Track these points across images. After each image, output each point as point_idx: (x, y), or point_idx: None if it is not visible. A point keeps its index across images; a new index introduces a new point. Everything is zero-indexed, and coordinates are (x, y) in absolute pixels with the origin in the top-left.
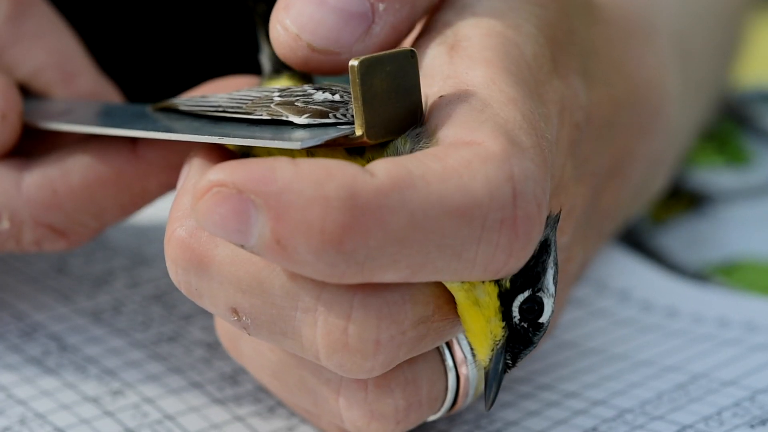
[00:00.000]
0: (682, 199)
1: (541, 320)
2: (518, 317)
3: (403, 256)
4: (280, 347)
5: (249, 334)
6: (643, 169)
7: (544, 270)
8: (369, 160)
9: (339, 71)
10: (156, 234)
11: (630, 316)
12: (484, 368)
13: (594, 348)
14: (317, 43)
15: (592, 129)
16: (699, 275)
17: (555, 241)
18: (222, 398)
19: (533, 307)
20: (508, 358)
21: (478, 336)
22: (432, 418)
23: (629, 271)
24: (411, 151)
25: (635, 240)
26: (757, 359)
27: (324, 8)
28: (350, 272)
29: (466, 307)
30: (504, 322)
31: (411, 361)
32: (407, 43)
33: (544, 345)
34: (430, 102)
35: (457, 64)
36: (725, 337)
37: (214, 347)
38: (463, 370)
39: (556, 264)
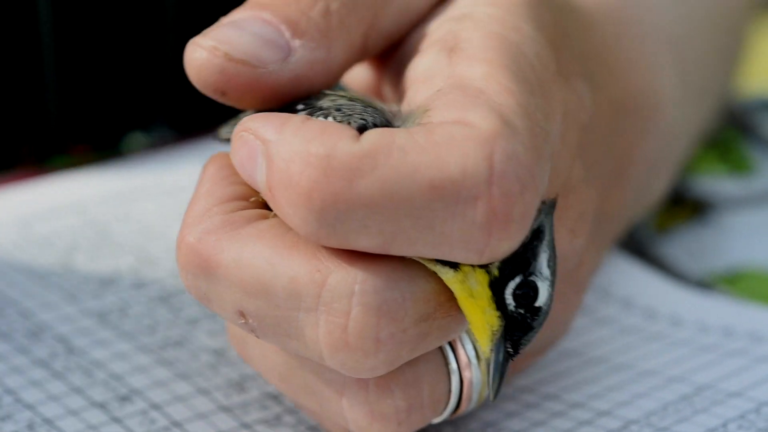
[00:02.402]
0: (686, 208)
1: (537, 304)
2: (513, 304)
3: (374, 222)
4: (286, 349)
5: (257, 337)
6: (642, 173)
7: (535, 255)
8: None
9: (253, 89)
10: (161, 231)
11: (634, 323)
12: (486, 359)
13: (598, 357)
14: (235, 53)
15: (597, 133)
16: (702, 284)
17: (551, 228)
18: (229, 405)
19: (528, 293)
20: (509, 346)
21: (477, 328)
22: (435, 420)
23: (633, 279)
24: None
25: (639, 249)
26: (762, 371)
27: (243, 31)
28: (324, 232)
29: (463, 300)
30: (499, 312)
31: (412, 362)
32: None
33: (548, 354)
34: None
35: (457, 64)
36: (730, 347)
37: (220, 353)
38: (466, 374)
39: (551, 249)
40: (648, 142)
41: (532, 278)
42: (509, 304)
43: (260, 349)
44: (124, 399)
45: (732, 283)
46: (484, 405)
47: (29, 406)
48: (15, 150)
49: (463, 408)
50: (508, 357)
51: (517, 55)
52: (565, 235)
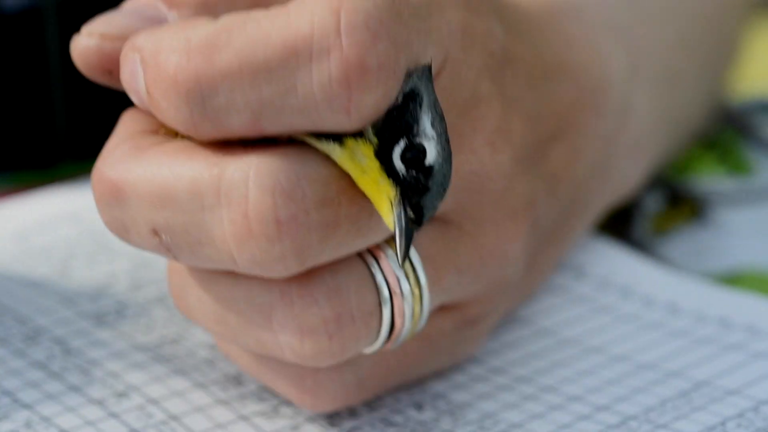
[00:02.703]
0: (685, 209)
1: (427, 163)
2: (404, 168)
3: (237, 94)
4: (203, 263)
5: (174, 258)
6: (596, 148)
7: (416, 118)
8: None
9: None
10: None
11: (632, 312)
12: (392, 230)
13: (596, 347)
14: (110, 30)
15: (520, 72)
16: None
17: (431, 93)
18: (226, 398)
19: (416, 155)
20: (410, 212)
21: (376, 201)
22: (372, 347)
23: (631, 268)
24: None
25: (638, 250)
26: (760, 368)
27: (118, 13)
28: (197, 117)
29: (357, 177)
30: (391, 179)
31: (335, 270)
32: None
33: (546, 341)
34: None
35: None
36: (728, 342)
37: (217, 349)
38: (394, 286)
39: (435, 112)
40: (598, 115)
41: (417, 140)
42: (399, 170)
43: (195, 292)
44: (122, 395)
45: (731, 284)
46: (419, 329)
47: (27, 406)
48: (21, 159)
49: (398, 327)
50: (411, 222)
51: None
52: (484, 146)
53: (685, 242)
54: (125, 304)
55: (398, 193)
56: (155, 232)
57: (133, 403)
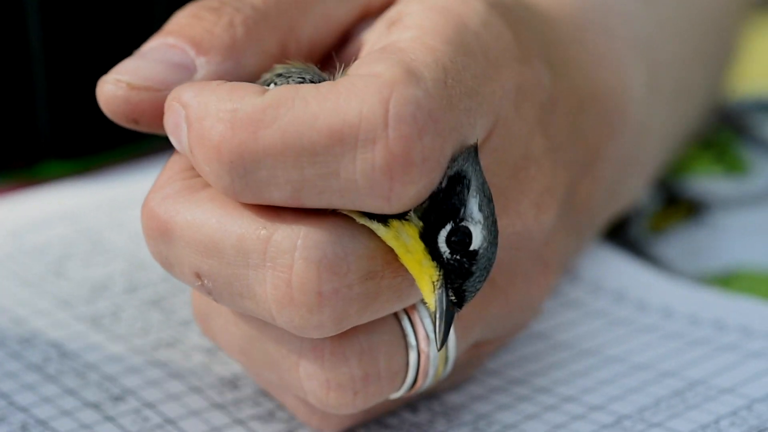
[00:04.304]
0: (681, 209)
1: (473, 248)
2: (448, 252)
3: (280, 171)
4: (241, 310)
5: (214, 300)
6: (614, 170)
7: (463, 201)
8: None
9: (160, 111)
10: None
11: (625, 316)
12: (432, 312)
13: (590, 349)
14: (136, 81)
15: (561, 115)
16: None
17: (478, 174)
18: (222, 402)
19: (462, 239)
20: (452, 295)
21: (419, 281)
22: (393, 396)
23: (624, 272)
24: None
25: (634, 249)
26: (753, 367)
27: (146, 59)
28: (238, 185)
29: (402, 255)
30: (435, 262)
31: (368, 331)
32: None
33: (540, 345)
34: None
35: (392, 33)
36: (721, 342)
37: (212, 352)
38: (424, 347)
39: (483, 195)
40: (616, 138)
41: (463, 223)
42: (444, 252)
43: (222, 321)
44: (117, 399)
45: (726, 283)
46: (440, 382)
47: (23, 409)
48: (5, 158)
49: (420, 383)
50: (452, 305)
51: (457, 23)
52: (530, 208)
53: (680, 241)
54: (121, 307)
55: (441, 275)
56: (198, 276)
57: (129, 406)
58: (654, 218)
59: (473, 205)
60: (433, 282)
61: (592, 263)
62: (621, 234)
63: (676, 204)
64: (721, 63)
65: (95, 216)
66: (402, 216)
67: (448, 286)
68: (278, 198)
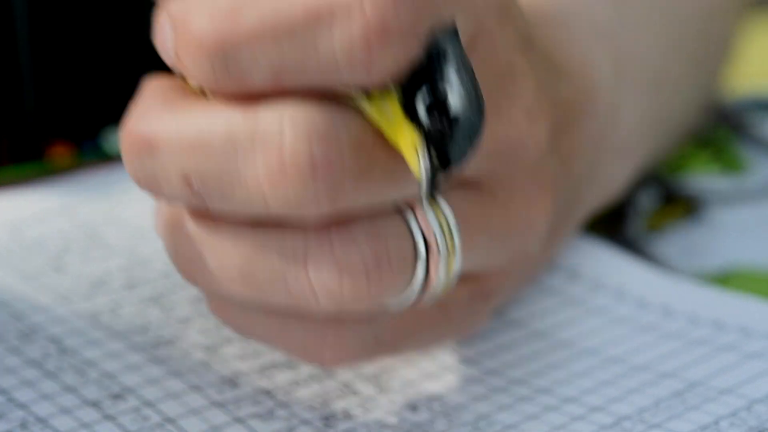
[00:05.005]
0: (678, 207)
1: (451, 111)
2: (427, 117)
3: (260, 53)
4: (233, 208)
5: (205, 206)
6: (590, 149)
7: (439, 68)
8: None
9: None
10: (152, 232)
11: (626, 314)
12: (418, 177)
13: (590, 349)
14: None
15: (537, 57)
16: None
17: (458, 53)
18: (222, 401)
19: (438, 101)
20: (434, 157)
21: (406, 153)
22: (405, 300)
23: (624, 269)
24: None
25: (632, 247)
26: (753, 367)
27: None
28: (221, 75)
29: (386, 130)
30: (414, 124)
31: (373, 218)
32: None
33: (540, 344)
34: None
35: None
36: (721, 342)
37: (212, 350)
38: (431, 240)
39: (460, 63)
40: (587, 119)
41: (440, 87)
42: (422, 117)
43: (217, 254)
44: (117, 397)
45: (724, 282)
46: (451, 286)
47: (22, 406)
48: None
49: (432, 282)
50: (437, 168)
51: None
52: (522, 116)
53: (678, 240)
54: (120, 303)
55: (423, 140)
56: (187, 180)
57: (128, 405)
58: (652, 216)
59: (450, 71)
60: (416, 149)
61: (592, 260)
62: (619, 232)
63: (673, 202)
64: (711, 58)
65: (92, 210)
66: (383, 89)
67: (431, 151)
68: (260, 82)
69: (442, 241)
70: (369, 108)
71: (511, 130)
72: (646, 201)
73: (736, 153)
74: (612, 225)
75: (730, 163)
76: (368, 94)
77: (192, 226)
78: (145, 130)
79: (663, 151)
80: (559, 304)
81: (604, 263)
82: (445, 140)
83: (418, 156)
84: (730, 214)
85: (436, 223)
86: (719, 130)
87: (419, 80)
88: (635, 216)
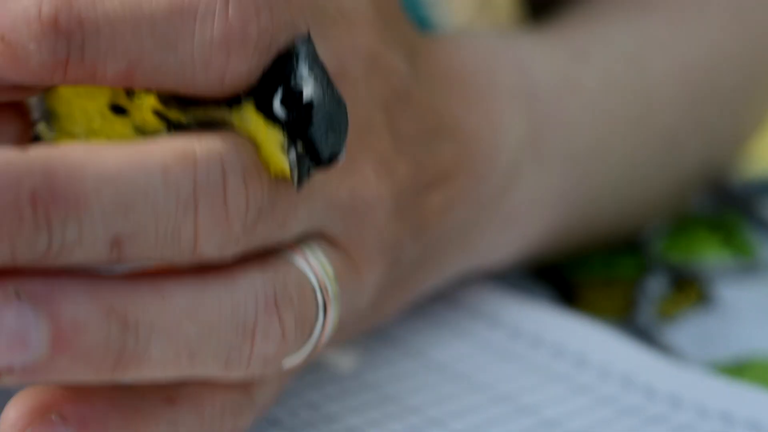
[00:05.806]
0: (691, 294)
1: (305, 99)
2: (284, 112)
3: (119, 42)
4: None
5: (128, 260)
6: (472, 211)
7: (292, 68)
8: None
9: None
10: None
11: (634, 403)
12: (287, 170)
13: None
14: None
15: (413, 115)
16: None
17: (312, 50)
18: None
19: (294, 95)
20: (300, 147)
21: (269, 152)
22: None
23: (632, 357)
24: None
25: (642, 336)
26: None
27: None
28: (74, 58)
29: (254, 138)
30: (273, 122)
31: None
32: None
33: (528, 421)
34: None
35: None
36: None
37: None
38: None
39: (314, 62)
40: (479, 182)
41: (294, 82)
42: (280, 115)
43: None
44: None
45: (738, 373)
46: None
47: None
48: None
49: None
50: (303, 157)
51: None
52: (371, 172)
53: (691, 328)
54: None
55: (285, 135)
56: (116, 243)
57: None
58: (664, 303)
59: (303, 69)
60: (282, 145)
61: (600, 348)
62: (630, 320)
63: (685, 288)
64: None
65: None
66: (236, 101)
67: (295, 140)
68: (112, 73)
69: (332, 289)
70: (230, 116)
71: (361, 184)
72: (657, 287)
73: (746, 237)
74: (623, 312)
75: (741, 248)
76: (230, 107)
77: None
78: (62, 193)
79: (596, 226)
80: (568, 392)
81: (612, 351)
82: (306, 127)
83: (284, 152)
84: (741, 301)
85: (322, 272)
86: (729, 212)
87: (272, 81)
88: (646, 303)
